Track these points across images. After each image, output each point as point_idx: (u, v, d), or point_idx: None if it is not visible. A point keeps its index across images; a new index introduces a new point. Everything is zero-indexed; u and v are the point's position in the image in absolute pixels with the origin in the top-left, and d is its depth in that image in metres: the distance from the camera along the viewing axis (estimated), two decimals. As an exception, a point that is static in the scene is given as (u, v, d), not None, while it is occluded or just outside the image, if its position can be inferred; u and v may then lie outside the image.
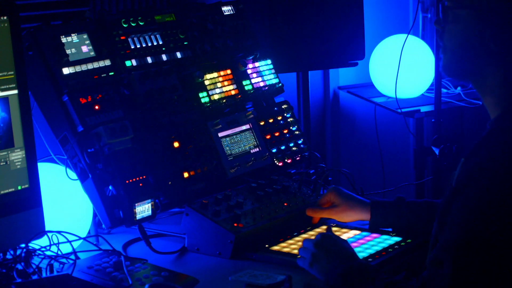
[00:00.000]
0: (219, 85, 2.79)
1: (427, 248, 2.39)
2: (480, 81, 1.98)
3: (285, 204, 2.63)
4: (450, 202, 1.85)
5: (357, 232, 2.54)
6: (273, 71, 2.97)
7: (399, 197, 2.55)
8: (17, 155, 2.26)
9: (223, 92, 2.79)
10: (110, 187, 2.42)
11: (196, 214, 2.47)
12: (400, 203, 2.52)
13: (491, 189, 1.79)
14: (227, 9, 2.92)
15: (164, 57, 2.68)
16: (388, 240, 2.46)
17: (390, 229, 2.53)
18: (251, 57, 2.91)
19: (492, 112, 1.98)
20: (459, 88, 3.99)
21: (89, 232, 2.56)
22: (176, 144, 2.58)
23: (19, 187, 2.27)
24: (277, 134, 2.87)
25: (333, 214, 2.60)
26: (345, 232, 2.54)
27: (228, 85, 2.81)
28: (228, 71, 2.84)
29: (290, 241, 2.47)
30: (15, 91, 2.25)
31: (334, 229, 2.57)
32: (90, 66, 2.50)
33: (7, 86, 2.23)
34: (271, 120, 2.88)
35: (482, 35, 1.92)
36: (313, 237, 2.50)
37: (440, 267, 1.81)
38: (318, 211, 2.62)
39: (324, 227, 2.60)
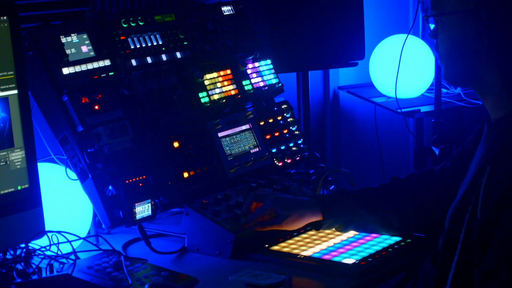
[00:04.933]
0: (219, 85, 2.79)
1: (427, 248, 2.40)
2: (479, 82, 1.99)
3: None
4: (498, 214, 1.81)
5: (357, 232, 2.53)
6: (273, 71, 2.97)
7: (338, 189, 2.46)
8: (17, 155, 2.26)
9: (223, 92, 2.79)
10: (110, 187, 2.42)
11: (196, 214, 2.47)
12: (342, 194, 2.42)
13: None
14: (227, 9, 2.93)
15: (164, 57, 2.68)
16: (388, 240, 2.46)
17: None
18: (251, 57, 2.91)
19: (494, 113, 1.97)
20: (459, 88, 3.99)
21: (89, 232, 2.56)
22: (176, 144, 2.58)
23: (19, 187, 2.27)
24: (277, 134, 2.87)
25: (282, 226, 2.40)
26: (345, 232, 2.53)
27: (228, 85, 2.81)
28: (228, 71, 2.84)
29: (290, 241, 2.47)
30: (15, 91, 2.25)
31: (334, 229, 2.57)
32: (90, 66, 2.50)
33: (7, 86, 2.23)
34: (271, 120, 2.88)
35: (469, 36, 1.93)
36: (314, 237, 2.50)
37: (495, 279, 1.80)
38: (263, 227, 2.42)
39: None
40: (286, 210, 2.40)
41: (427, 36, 4.35)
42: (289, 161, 2.86)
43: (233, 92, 2.81)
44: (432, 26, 2.02)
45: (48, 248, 2.34)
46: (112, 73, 2.54)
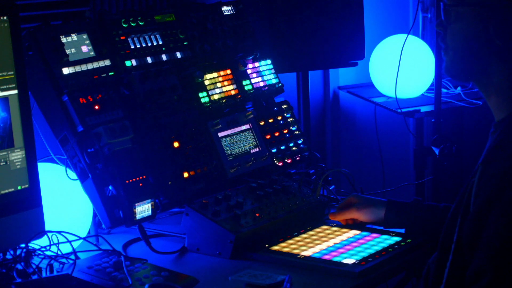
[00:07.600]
0: (219, 85, 2.79)
1: (427, 248, 2.40)
2: (484, 80, 1.96)
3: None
4: (485, 214, 1.81)
5: (357, 232, 2.54)
6: (273, 71, 2.97)
7: (416, 198, 2.53)
8: (17, 155, 2.26)
9: (223, 92, 2.79)
10: (110, 187, 2.42)
11: (196, 214, 2.47)
12: (417, 204, 2.51)
13: None
14: (227, 9, 2.93)
15: (164, 57, 2.68)
16: (388, 240, 2.46)
17: (403, 230, 2.52)
18: (251, 57, 2.91)
19: (497, 113, 1.96)
20: (459, 88, 3.99)
21: (89, 232, 2.56)
22: (176, 144, 2.58)
23: (19, 187, 2.27)
24: (277, 134, 2.87)
25: (354, 212, 2.59)
26: (345, 232, 2.54)
27: (228, 85, 2.81)
28: (228, 71, 2.84)
29: (290, 241, 2.47)
30: (15, 91, 2.25)
31: (334, 229, 2.57)
32: (90, 66, 2.50)
33: (7, 86, 2.23)
34: (271, 120, 2.88)
35: (484, 32, 1.91)
36: (314, 237, 2.50)
37: (482, 280, 1.79)
38: (339, 214, 2.62)
39: (325, 226, 2.60)
40: (359, 199, 2.61)
41: (427, 36, 4.35)
42: (289, 161, 2.86)
43: (233, 92, 2.81)
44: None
45: (48, 248, 2.34)
46: (112, 73, 2.54)
